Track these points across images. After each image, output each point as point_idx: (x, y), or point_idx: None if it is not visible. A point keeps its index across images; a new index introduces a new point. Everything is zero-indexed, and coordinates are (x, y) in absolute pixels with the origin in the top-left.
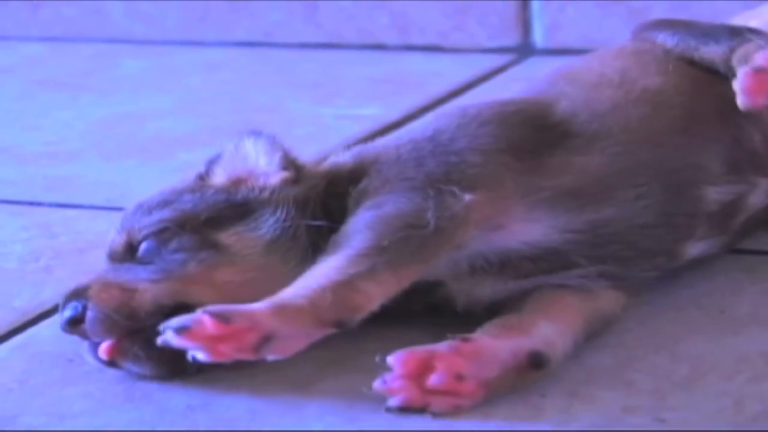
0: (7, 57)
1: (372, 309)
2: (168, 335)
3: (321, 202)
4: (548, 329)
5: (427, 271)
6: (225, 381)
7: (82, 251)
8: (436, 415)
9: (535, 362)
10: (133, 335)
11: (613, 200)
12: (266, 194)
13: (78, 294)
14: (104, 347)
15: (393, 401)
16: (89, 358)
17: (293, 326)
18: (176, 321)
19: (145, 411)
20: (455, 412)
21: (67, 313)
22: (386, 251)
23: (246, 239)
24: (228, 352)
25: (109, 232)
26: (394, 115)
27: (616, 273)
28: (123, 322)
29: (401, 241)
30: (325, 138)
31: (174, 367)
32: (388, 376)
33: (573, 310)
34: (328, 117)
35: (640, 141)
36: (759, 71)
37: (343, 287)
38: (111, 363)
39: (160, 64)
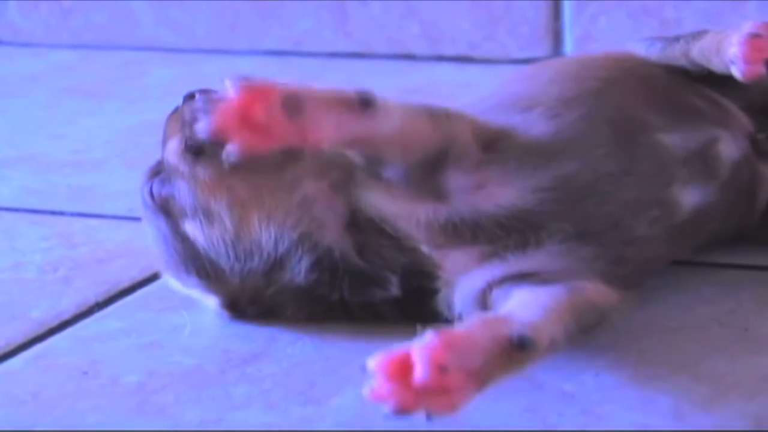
0: (36, 64)
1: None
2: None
3: None
4: (529, 316)
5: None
6: (239, 397)
7: (102, 261)
8: (432, 415)
9: (519, 343)
10: None
11: (574, 153)
12: None
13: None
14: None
15: (387, 408)
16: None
17: (315, 96)
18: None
19: (159, 426)
20: (452, 410)
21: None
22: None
23: None
24: (259, 113)
25: (130, 242)
26: None
27: (598, 236)
28: None
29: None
30: None
31: None
32: (374, 384)
33: (558, 299)
34: None
35: (576, 102)
36: (753, 37)
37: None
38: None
39: (189, 72)
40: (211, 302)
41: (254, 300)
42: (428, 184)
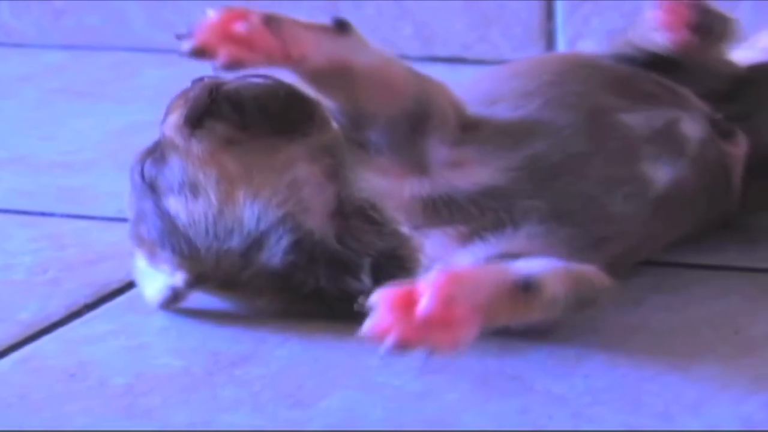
0: (28, 65)
1: None
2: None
3: None
4: (531, 267)
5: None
6: (227, 399)
7: (91, 263)
8: (435, 351)
9: (525, 285)
10: None
11: (541, 134)
12: None
13: None
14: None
15: (387, 342)
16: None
17: (293, 18)
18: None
19: (147, 428)
20: (454, 346)
21: None
22: None
23: None
24: (240, 27)
25: (120, 243)
26: None
27: (574, 215)
28: None
29: None
30: None
31: None
32: (375, 317)
33: (557, 268)
34: None
35: (536, 94)
36: (670, 1)
37: None
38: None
39: (181, 73)
40: (176, 278)
41: (227, 283)
42: (411, 153)
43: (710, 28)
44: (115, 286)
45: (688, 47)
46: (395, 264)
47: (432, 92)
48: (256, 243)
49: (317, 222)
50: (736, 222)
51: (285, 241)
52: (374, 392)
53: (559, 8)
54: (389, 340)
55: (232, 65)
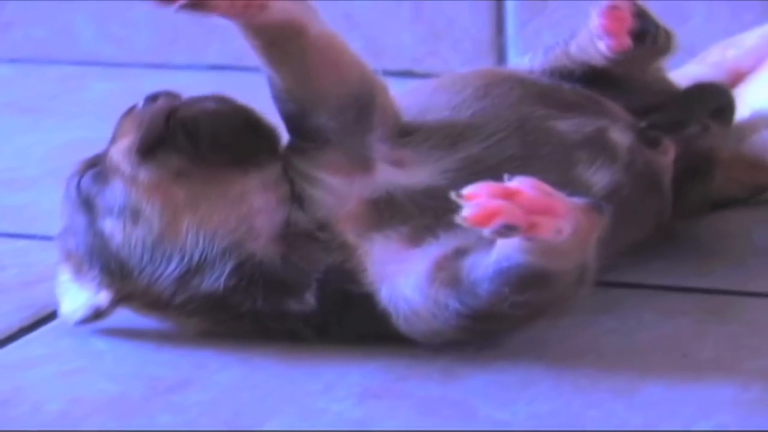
0: None
1: None
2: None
3: None
4: None
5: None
6: (164, 426)
7: (29, 284)
8: (538, 237)
9: (598, 207)
10: None
11: (475, 138)
12: None
13: None
14: None
15: (496, 222)
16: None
17: None
18: None
19: None
20: (558, 233)
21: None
22: None
23: None
24: None
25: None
26: None
27: None
28: None
29: None
30: None
31: None
32: (475, 204)
33: None
34: None
35: (463, 106)
36: (612, 9)
37: None
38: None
39: (128, 87)
40: (100, 297)
41: (156, 304)
42: (358, 145)
43: (653, 38)
44: (52, 308)
45: (627, 55)
46: (344, 278)
47: (376, 83)
48: (194, 270)
49: (262, 246)
50: (672, 233)
51: (227, 268)
52: (314, 419)
53: (510, 22)
54: (497, 223)
55: (194, 7)
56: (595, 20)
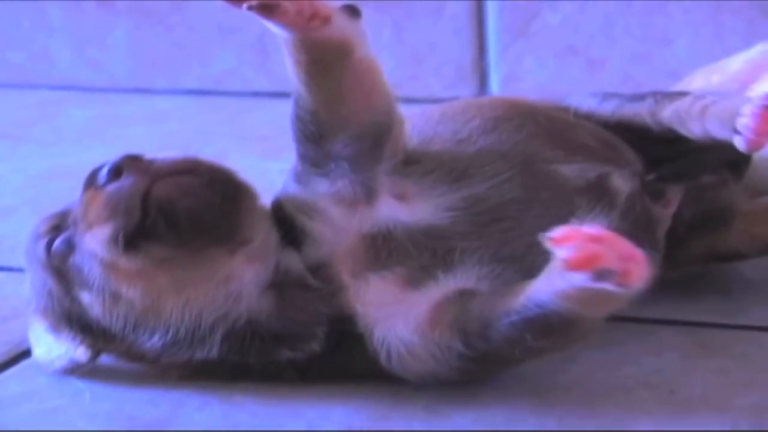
0: None
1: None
2: None
3: None
4: None
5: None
6: None
7: (6, 319)
8: (630, 283)
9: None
10: None
11: (479, 177)
12: None
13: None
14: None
15: (598, 266)
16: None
17: None
18: None
19: None
20: (643, 282)
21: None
22: None
23: None
24: None
25: None
26: None
27: (516, 260)
28: None
29: None
30: (270, 194)
31: None
32: (571, 248)
33: None
34: (273, 172)
35: (469, 140)
36: (766, 109)
37: None
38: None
39: (106, 113)
40: (79, 353)
41: (141, 360)
42: (367, 175)
43: None
44: (29, 344)
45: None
46: (347, 324)
47: (396, 113)
48: (182, 341)
49: (252, 306)
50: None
51: (217, 337)
52: None
53: (492, 46)
54: (598, 267)
55: (262, 9)
56: (746, 117)
